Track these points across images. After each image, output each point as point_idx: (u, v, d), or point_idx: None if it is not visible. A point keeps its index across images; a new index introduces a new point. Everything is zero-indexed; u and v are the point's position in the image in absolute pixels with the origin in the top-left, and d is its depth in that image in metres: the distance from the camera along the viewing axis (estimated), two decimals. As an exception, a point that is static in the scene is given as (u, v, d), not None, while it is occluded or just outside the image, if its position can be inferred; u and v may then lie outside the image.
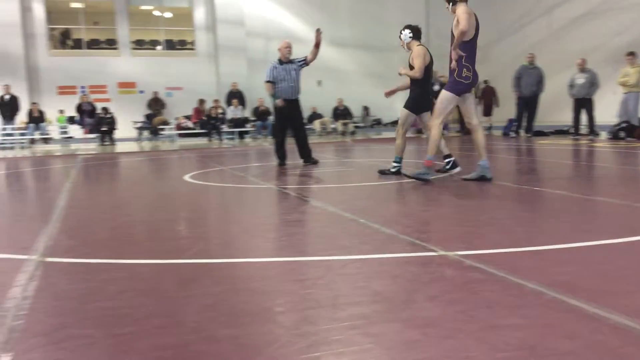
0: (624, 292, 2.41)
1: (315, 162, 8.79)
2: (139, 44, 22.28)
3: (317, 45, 8.58)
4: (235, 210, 5.33)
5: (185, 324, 2.19)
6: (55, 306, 2.49)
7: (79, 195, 6.39)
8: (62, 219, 4.67)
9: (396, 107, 11.39)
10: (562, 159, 9.10)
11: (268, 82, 8.67)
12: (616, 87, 13.98)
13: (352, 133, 19.83)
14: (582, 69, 13.50)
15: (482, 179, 6.02)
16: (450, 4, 5.95)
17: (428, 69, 6.78)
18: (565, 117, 15.61)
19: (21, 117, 17.93)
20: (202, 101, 18.80)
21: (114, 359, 1.91)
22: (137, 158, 12.26)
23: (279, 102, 8.59)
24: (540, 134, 14.78)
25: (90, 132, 17.56)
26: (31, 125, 17.52)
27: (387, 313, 2.25)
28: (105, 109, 17.60)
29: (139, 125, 18.95)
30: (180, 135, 18.13)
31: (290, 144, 9.01)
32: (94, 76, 20.73)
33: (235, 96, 19.35)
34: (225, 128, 18.52)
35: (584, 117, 13.65)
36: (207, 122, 18.14)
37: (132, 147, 16.31)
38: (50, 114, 18.94)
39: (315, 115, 20.14)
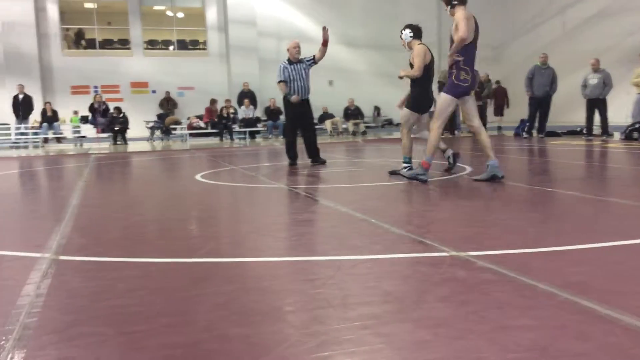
0: (637, 293, 2.39)
1: (322, 162, 8.81)
2: (152, 44, 22.40)
3: (324, 44, 8.59)
4: (246, 209, 5.34)
5: (196, 323, 2.20)
6: (67, 304, 2.51)
7: (91, 194, 6.43)
8: (75, 217, 4.70)
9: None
10: (574, 159, 9.04)
11: (281, 81, 8.69)
12: (630, 88, 13.87)
13: (363, 133, 19.81)
14: (596, 69, 13.40)
15: (493, 178, 6.00)
16: (449, 7, 5.95)
17: (429, 68, 6.77)
18: (578, 118, 15.52)
19: (35, 117, 18.08)
20: (213, 101, 18.84)
21: (126, 357, 1.92)
22: (149, 157, 12.32)
23: (294, 98, 8.61)
24: (553, 134, 14.69)
25: (103, 131, 17.66)
26: (45, 124, 17.65)
27: (398, 313, 2.25)
28: (117, 109, 17.69)
29: (151, 124, 19.03)
30: (192, 134, 18.17)
31: (300, 143, 9.03)
32: (107, 76, 20.87)
33: (247, 96, 19.39)
34: (236, 128, 18.56)
35: (597, 118, 13.55)
36: (218, 122, 18.19)
37: (144, 146, 16.40)
38: (64, 113, 19.07)
39: (326, 115, 20.13)
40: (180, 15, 22.85)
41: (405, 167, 6.76)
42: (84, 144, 18.13)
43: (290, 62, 8.74)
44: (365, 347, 1.92)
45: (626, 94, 14.89)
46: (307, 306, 2.35)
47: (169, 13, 22.61)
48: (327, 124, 19.65)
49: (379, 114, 22.96)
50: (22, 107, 17.57)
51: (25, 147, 17.34)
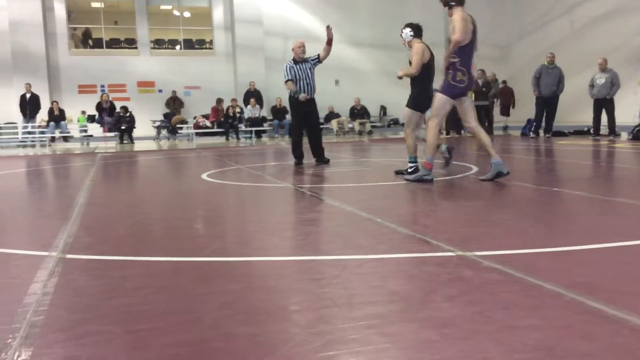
0: (645, 294, 2.38)
1: (326, 161, 8.83)
2: (158, 44, 22.45)
3: (329, 43, 8.60)
4: (252, 208, 5.35)
5: (202, 322, 2.20)
6: (74, 302, 2.52)
7: (98, 193, 6.45)
8: (82, 216, 4.72)
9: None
10: (581, 159, 9.01)
11: (289, 80, 8.71)
12: (637, 88, 13.82)
13: (369, 133, 19.80)
14: (603, 68, 13.34)
15: (498, 176, 5.98)
16: (447, 7, 5.96)
17: (429, 66, 6.76)
18: (585, 118, 15.46)
19: (42, 116, 18.16)
20: (220, 100, 18.88)
21: (132, 355, 1.92)
22: (155, 157, 12.35)
23: (302, 96, 8.63)
24: (560, 134, 14.64)
25: (110, 130, 17.72)
26: (51, 123, 17.72)
27: (404, 313, 2.25)
28: (124, 108, 17.74)
29: (157, 124, 19.08)
30: (198, 134, 18.21)
31: (305, 142, 9.04)
32: (114, 75, 20.92)
33: (253, 95, 19.41)
34: (242, 127, 18.58)
35: (604, 118, 13.49)
36: (224, 121, 18.22)
37: (151, 145, 16.45)
38: (71, 112, 19.14)
39: (332, 115, 20.13)
40: (186, 14, 22.88)
41: (411, 167, 6.75)
42: (91, 143, 18.20)
43: (295, 61, 8.76)
44: (370, 347, 1.91)
45: (634, 94, 14.83)
46: (313, 305, 2.35)
47: (176, 12, 22.65)
48: (333, 124, 19.65)
49: (385, 114, 22.93)
50: (29, 106, 17.66)
51: (33, 146, 17.41)
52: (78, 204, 5.36)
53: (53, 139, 18.05)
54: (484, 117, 17.15)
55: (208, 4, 22.27)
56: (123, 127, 17.46)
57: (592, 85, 13.50)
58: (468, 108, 6.21)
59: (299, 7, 22.47)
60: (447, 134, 16.68)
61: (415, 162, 6.79)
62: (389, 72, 22.42)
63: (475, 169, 7.35)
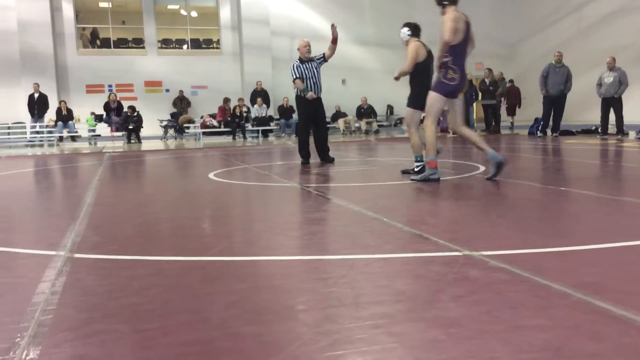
0: (653, 294, 2.37)
1: (331, 161, 8.85)
2: (166, 43, 22.51)
3: (334, 41, 8.62)
4: (259, 208, 5.35)
5: (209, 321, 2.21)
6: (82, 301, 2.53)
7: (105, 193, 6.48)
8: (89, 215, 4.74)
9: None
10: (589, 159, 8.97)
11: (297, 79, 8.73)
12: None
13: (376, 132, 19.79)
14: (611, 67, 13.28)
15: (499, 166, 5.99)
16: (440, 7, 6.00)
17: (427, 65, 6.78)
18: (592, 117, 15.40)
19: (50, 115, 18.24)
20: (226, 100, 18.91)
21: (140, 354, 1.93)
22: (162, 156, 12.39)
23: (310, 94, 8.65)
24: (567, 133, 14.58)
25: (117, 130, 17.78)
26: (59, 123, 17.80)
27: (411, 312, 2.25)
28: (131, 108, 17.80)
29: (164, 123, 19.13)
30: (205, 133, 18.24)
31: (311, 141, 9.05)
32: (121, 75, 21.00)
33: (260, 95, 19.44)
34: (249, 126, 18.61)
35: (612, 117, 13.43)
36: (231, 120, 18.24)
37: (158, 145, 16.50)
38: (78, 112, 19.22)
39: (339, 114, 20.13)
40: (194, 14, 22.93)
41: (417, 166, 6.74)
42: (98, 142, 18.27)
43: (301, 61, 8.79)
44: (377, 346, 1.92)
45: (642, 93, 14.75)
46: (320, 305, 2.36)
47: (183, 12, 22.70)
48: (340, 123, 19.65)
49: (391, 113, 22.91)
50: (37, 105, 17.75)
51: (41, 146, 17.49)
52: (86, 204, 5.38)
53: (61, 139, 18.13)
54: (491, 116, 17.13)
55: (215, 4, 22.31)
56: (130, 127, 17.52)
57: (599, 84, 13.44)
58: (458, 111, 6.33)
59: (306, 6, 22.47)
60: (454, 133, 16.63)
61: (421, 160, 6.78)
62: (395, 71, 22.45)
63: (481, 168, 7.33)
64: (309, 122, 9.02)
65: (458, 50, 5.99)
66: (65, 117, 17.92)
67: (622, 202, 4.81)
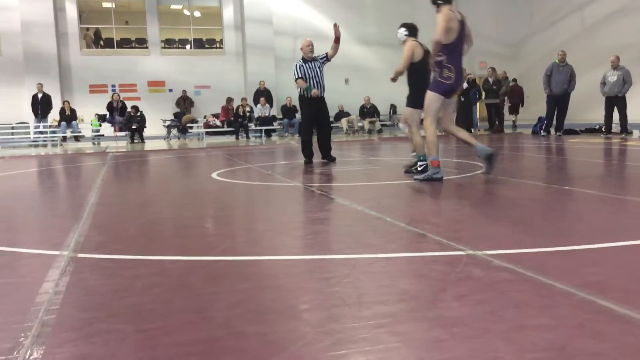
0: (657, 293, 2.36)
1: (332, 160, 8.87)
2: (169, 43, 22.54)
3: (336, 40, 8.63)
4: (262, 208, 5.36)
5: (213, 321, 2.21)
6: (85, 301, 2.53)
7: (109, 193, 6.49)
8: (93, 215, 4.74)
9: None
10: (593, 158, 8.96)
11: (299, 78, 8.74)
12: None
13: (379, 131, 19.78)
14: (615, 66, 13.25)
15: (490, 158, 6.06)
16: (435, 6, 6.05)
17: (423, 64, 6.80)
18: (596, 116, 15.36)
19: (53, 115, 18.28)
20: (230, 99, 18.93)
21: (143, 354, 1.93)
22: (165, 156, 12.40)
23: (314, 92, 8.66)
24: (571, 132, 14.56)
25: (120, 130, 17.81)
26: (63, 123, 17.83)
27: (414, 312, 2.24)
28: (135, 108, 17.83)
29: (167, 123, 19.15)
30: (208, 133, 18.26)
31: (314, 141, 9.06)
32: (125, 75, 21.04)
33: (263, 94, 19.44)
34: (252, 126, 18.62)
35: (615, 116, 13.40)
36: (234, 120, 18.25)
37: (161, 145, 16.52)
38: (82, 112, 19.26)
39: (342, 114, 20.12)
40: (197, 14, 22.96)
41: (421, 166, 6.74)
42: (102, 142, 18.30)
43: (304, 60, 8.80)
44: (380, 346, 1.91)
45: (646, 92, 14.70)
46: (323, 304, 2.35)
47: (186, 12, 22.73)
48: (343, 123, 19.65)
49: (395, 112, 22.88)
50: (41, 106, 17.79)
51: (44, 146, 17.53)
52: (89, 204, 5.39)
53: (64, 139, 18.17)
54: (494, 115, 17.11)
55: (218, 4, 22.33)
56: (134, 127, 17.55)
57: (603, 83, 13.41)
58: (449, 110, 6.42)
59: (308, 6, 22.47)
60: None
61: (425, 160, 6.77)
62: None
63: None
64: (312, 121, 9.03)
65: (452, 49, 6.03)
66: (68, 117, 17.96)
67: (626, 202, 4.80)
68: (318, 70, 8.77)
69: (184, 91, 21.02)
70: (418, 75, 6.82)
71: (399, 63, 6.88)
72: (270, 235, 3.93)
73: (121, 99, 18.57)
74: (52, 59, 19.79)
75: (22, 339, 2.07)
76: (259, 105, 19.12)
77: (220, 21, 22.31)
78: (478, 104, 17.89)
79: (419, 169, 6.72)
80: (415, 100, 6.81)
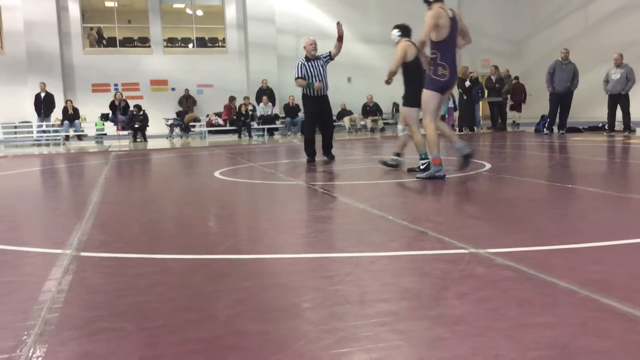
0: (660, 291, 2.36)
1: (332, 158, 8.89)
2: (171, 42, 22.55)
3: (339, 39, 8.64)
4: (265, 206, 5.36)
5: (215, 319, 2.21)
6: (88, 300, 2.54)
7: (111, 191, 6.50)
8: (95, 214, 4.75)
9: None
10: (595, 156, 8.94)
11: (298, 78, 8.75)
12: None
13: (382, 130, 19.76)
14: (618, 64, 13.21)
15: (466, 159, 6.16)
16: (426, 4, 6.09)
17: (417, 63, 6.86)
18: (599, 114, 15.33)
19: (56, 115, 18.30)
20: (232, 98, 18.93)
21: (146, 352, 1.93)
22: (168, 155, 12.41)
23: (317, 84, 8.66)
24: (574, 130, 14.53)
25: (123, 129, 17.83)
26: (66, 122, 17.86)
27: (416, 310, 2.24)
28: (137, 107, 17.84)
29: (170, 122, 19.17)
30: (211, 132, 18.28)
31: (317, 140, 9.06)
32: (127, 74, 21.05)
33: (265, 93, 19.44)
34: (255, 125, 18.63)
35: (619, 114, 13.37)
36: (237, 119, 18.26)
37: (164, 143, 16.53)
38: (85, 111, 19.29)
39: (344, 112, 20.11)
40: (199, 13, 22.96)
41: (423, 164, 6.73)
42: (105, 141, 18.32)
43: (307, 59, 8.80)
44: (383, 344, 1.91)
45: (649, 89, 14.66)
46: (325, 303, 2.35)
47: (189, 11, 22.73)
48: (346, 121, 19.64)
49: (397, 111, 22.84)
50: (44, 105, 17.83)
51: (47, 145, 17.56)
52: (92, 202, 5.40)
53: (67, 138, 18.20)
54: (497, 113, 17.09)
55: (221, 3, 22.33)
56: (136, 126, 17.56)
57: (606, 81, 13.37)
58: (438, 105, 6.48)
59: (311, 4, 22.46)
60: (461, 130, 16.62)
61: (426, 158, 6.77)
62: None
63: (488, 165, 7.32)
64: (315, 120, 9.04)
65: (445, 46, 6.07)
66: (71, 116, 17.99)
67: (629, 200, 4.79)
68: (321, 68, 8.77)
69: (187, 90, 21.02)
70: (413, 74, 6.90)
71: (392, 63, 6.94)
72: (273, 233, 3.93)
73: (124, 98, 18.59)
74: (54, 58, 19.82)
75: (25, 337, 2.07)
76: (261, 104, 19.13)
77: (223, 20, 22.31)
78: (481, 102, 17.86)
79: (422, 167, 6.72)
80: (412, 99, 6.88)
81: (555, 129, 14.52)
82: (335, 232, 4.01)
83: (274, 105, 19.67)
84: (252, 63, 21.43)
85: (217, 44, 22.93)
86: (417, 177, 6.28)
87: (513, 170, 7.07)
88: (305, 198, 5.72)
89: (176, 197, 6.07)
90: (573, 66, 13.93)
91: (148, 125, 17.97)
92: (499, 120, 17.03)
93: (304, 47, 8.91)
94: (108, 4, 21.95)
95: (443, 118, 16.75)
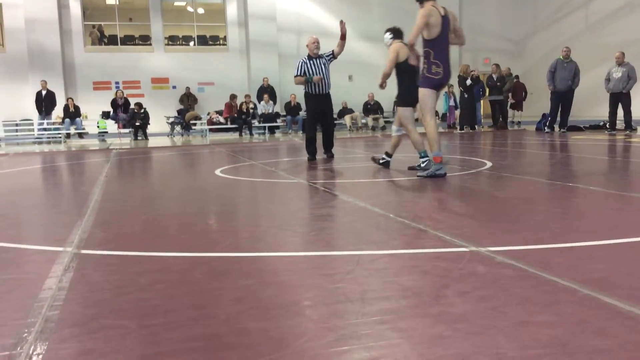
0: (660, 290, 2.36)
1: (331, 156, 8.91)
2: (172, 40, 22.54)
3: (342, 37, 8.63)
4: (266, 204, 5.36)
5: (216, 316, 2.21)
6: (89, 297, 2.54)
7: (112, 189, 6.50)
8: (96, 212, 4.75)
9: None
10: (597, 154, 8.93)
11: (296, 76, 8.77)
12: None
13: (383, 128, 19.75)
14: (620, 62, 13.20)
15: (433, 172, 6.20)
16: (419, 3, 6.12)
17: (410, 64, 6.87)
18: (601, 112, 15.32)
19: (57, 112, 18.31)
20: (233, 96, 18.93)
21: (147, 350, 1.94)
22: (169, 153, 12.41)
23: (316, 77, 8.66)
24: (575, 129, 14.52)
25: (124, 127, 17.84)
26: (67, 120, 17.86)
27: (417, 308, 2.24)
28: (138, 104, 17.85)
29: (171, 120, 19.18)
30: (212, 130, 18.28)
31: (318, 138, 9.07)
32: (128, 72, 21.06)
33: (266, 91, 19.44)
34: (256, 123, 18.62)
35: (620, 112, 13.36)
36: (238, 117, 18.26)
37: (165, 141, 16.53)
38: (86, 109, 19.29)
39: (345, 110, 20.10)
40: (200, 11, 22.95)
41: (423, 162, 6.73)
42: (106, 139, 18.32)
43: (309, 57, 8.79)
44: (383, 342, 1.92)
45: (651, 88, 14.65)
46: (326, 301, 2.36)
47: (190, 9, 22.72)
48: (347, 119, 19.63)
49: (398, 109, 22.86)
50: (45, 102, 17.84)
51: (48, 143, 17.56)
52: (93, 200, 5.40)
53: (68, 136, 18.20)
54: (498, 111, 17.08)
55: (222, 0, 22.31)
56: (137, 124, 17.57)
57: (608, 79, 13.36)
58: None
59: (312, 2, 22.44)
60: (462, 129, 16.62)
61: (426, 155, 6.78)
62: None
63: (489, 164, 7.31)
64: (317, 118, 9.04)
65: (437, 44, 6.10)
66: (72, 114, 17.99)
67: (629, 198, 4.79)
68: (323, 67, 8.76)
69: (188, 88, 21.02)
70: (406, 74, 6.94)
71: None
72: (274, 231, 3.93)
73: (125, 95, 18.59)
74: (56, 56, 19.82)
75: (26, 334, 2.08)
76: (262, 102, 19.12)
77: (224, 18, 22.30)
78: (482, 100, 17.85)
79: (422, 165, 6.72)
80: (406, 98, 6.94)
81: (556, 127, 14.51)
82: (336, 230, 4.01)
83: (275, 103, 19.67)
84: (253, 61, 21.42)
85: (218, 42, 22.92)
86: (418, 176, 6.28)
87: (514, 168, 7.07)
88: (306, 196, 5.72)
89: (177, 195, 6.07)
90: (574, 65, 13.92)
91: (149, 123, 17.97)
92: (500, 119, 17.02)
93: (307, 46, 8.91)
94: (109, 1, 21.94)
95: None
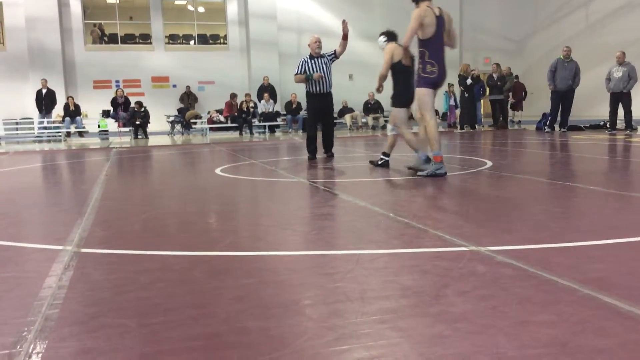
0: (660, 290, 2.36)
1: (331, 155, 8.91)
2: (173, 39, 22.54)
3: (344, 37, 8.63)
4: (266, 203, 5.36)
5: (216, 315, 2.21)
6: (89, 296, 2.54)
7: (112, 188, 6.50)
8: (96, 211, 4.75)
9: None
10: (597, 154, 8.93)
11: (296, 75, 8.79)
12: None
13: (383, 127, 19.75)
14: (621, 62, 13.20)
15: (426, 161, 6.31)
16: (415, 4, 6.15)
17: (404, 65, 6.89)
18: (601, 112, 15.32)
19: (58, 111, 18.30)
20: (233, 95, 18.92)
21: (146, 348, 1.94)
22: (169, 151, 12.41)
23: (316, 75, 8.66)
24: (576, 128, 14.52)
25: (124, 125, 17.83)
26: (67, 118, 17.86)
27: (417, 307, 2.24)
28: (139, 103, 17.84)
29: (171, 119, 19.17)
30: (212, 129, 18.27)
31: (318, 137, 9.08)
32: (128, 70, 21.06)
33: (267, 90, 19.44)
34: (256, 122, 18.62)
35: (620, 112, 13.35)
36: (238, 116, 18.25)
37: (165, 140, 16.53)
38: (86, 107, 19.28)
39: (346, 110, 20.09)
40: (201, 9, 22.94)
41: (427, 161, 6.73)
42: (107, 137, 18.33)
43: (311, 57, 8.80)
44: (383, 341, 1.92)
45: (651, 88, 14.65)
46: (326, 300, 2.36)
47: (190, 8, 22.72)
48: (347, 118, 19.62)
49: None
50: (45, 101, 17.83)
51: (48, 141, 17.56)
52: (93, 199, 5.40)
53: (68, 134, 18.20)
54: (498, 111, 17.08)
55: (222, -1, 22.32)
56: (137, 122, 17.56)
57: (608, 79, 13.36)
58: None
59: (313, 1, 22.43)
60: (462, 128, 16.61)
61: (425, 154, 6.78)
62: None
63: (489, 163, 7.31)
64: (318, 117, 9.04)
65: (432, 44, 6.12)
66: (72, 112, 17.99)
67: (630, 198, 4.79)
68: (324, 66, 8.76)
69: (188, 87, 21.02)
70: (401, 75, 7.00)
71: (402, 58, 6.96)
72: (274, 230, 3.93)
73: (125, 94, 18.58)
74: (56, 55, 19.82)
75: (26, 333, 2.08)
76: (262, 101, 19.12)
77: (224, 16, 22.29)
78: (482, 100, 17.84)
79: (422, 164, 6.72)
80: (400, 99, 6.99)
81: (556, 127, 14.51)
82: (336, 229, 4.01)
83: (275, 102, 19.66)
84: (254, 60, 21.41)
85: (218, 41, 22.91)
86: (418, 175, 6.28)
87: (514, 168, 7.07)
88: (306, 195, 5.72)
89: (177, 194, 6.07)
90: (575, 64, 13.91)
91: (149, 122, 17.96)
92: (500, 118, 17.02)
93: (309, 45, 8.92)
94: (109, 0, 21.93)
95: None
